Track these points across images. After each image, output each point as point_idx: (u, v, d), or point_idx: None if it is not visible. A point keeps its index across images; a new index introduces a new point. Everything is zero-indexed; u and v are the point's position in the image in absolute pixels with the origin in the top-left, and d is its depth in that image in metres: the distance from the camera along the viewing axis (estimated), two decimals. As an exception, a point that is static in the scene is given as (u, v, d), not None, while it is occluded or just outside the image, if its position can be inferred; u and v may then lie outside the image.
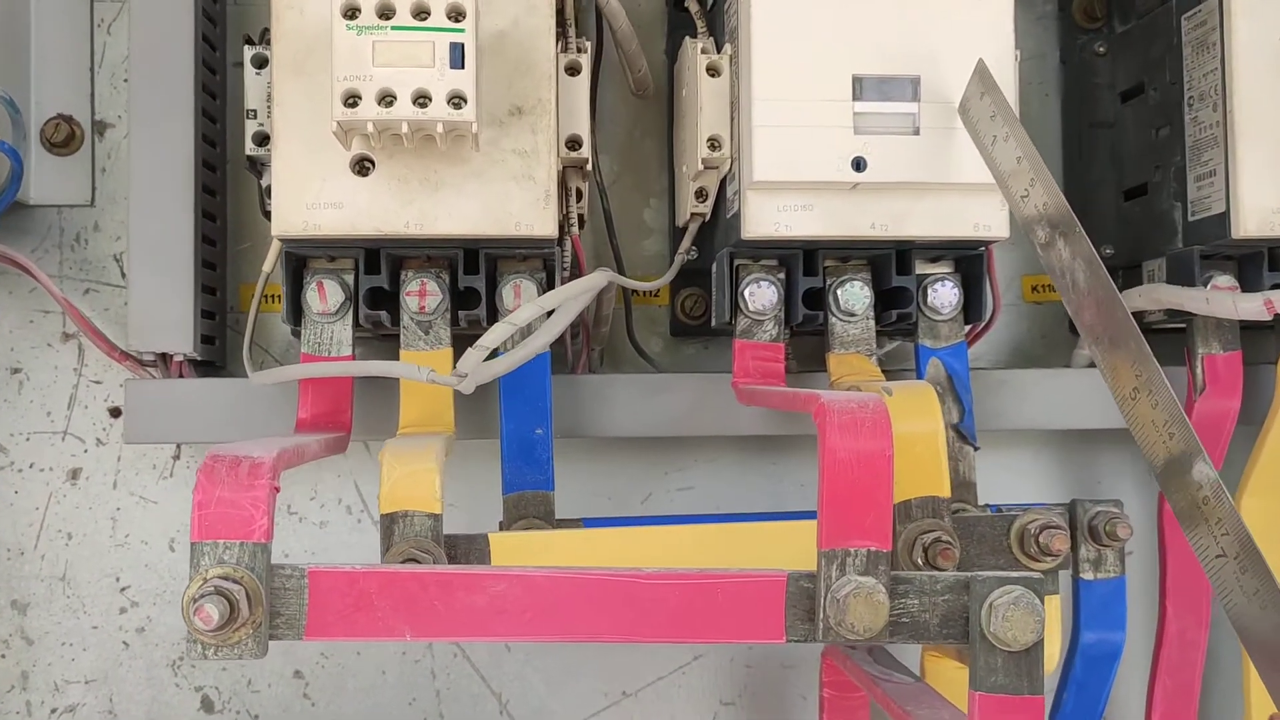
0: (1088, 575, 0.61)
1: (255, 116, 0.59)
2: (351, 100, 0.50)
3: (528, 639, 0.43)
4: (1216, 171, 0.61)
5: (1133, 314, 0.66)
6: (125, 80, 0.68)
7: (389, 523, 0.51)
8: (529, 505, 0.59)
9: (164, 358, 0.63)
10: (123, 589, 0.68)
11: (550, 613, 0.43)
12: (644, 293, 0.68)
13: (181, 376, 0.64)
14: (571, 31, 0.61)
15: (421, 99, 0.51)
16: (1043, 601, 0.43)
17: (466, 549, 0.52)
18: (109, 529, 0.68)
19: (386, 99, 0.50)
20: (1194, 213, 0.63)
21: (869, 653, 0.59)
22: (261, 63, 0.59)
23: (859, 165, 0.56)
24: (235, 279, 0.69)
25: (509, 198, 0.56)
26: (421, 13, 0.50)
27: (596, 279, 0.56)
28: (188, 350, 0.63)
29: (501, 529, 0.59)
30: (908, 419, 0.53)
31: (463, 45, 0.51)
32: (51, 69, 0.68)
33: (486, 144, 0.55)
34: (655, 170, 0.71)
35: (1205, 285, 0.62)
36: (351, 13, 0.50)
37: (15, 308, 0.68)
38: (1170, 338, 0.67)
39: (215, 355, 0.67)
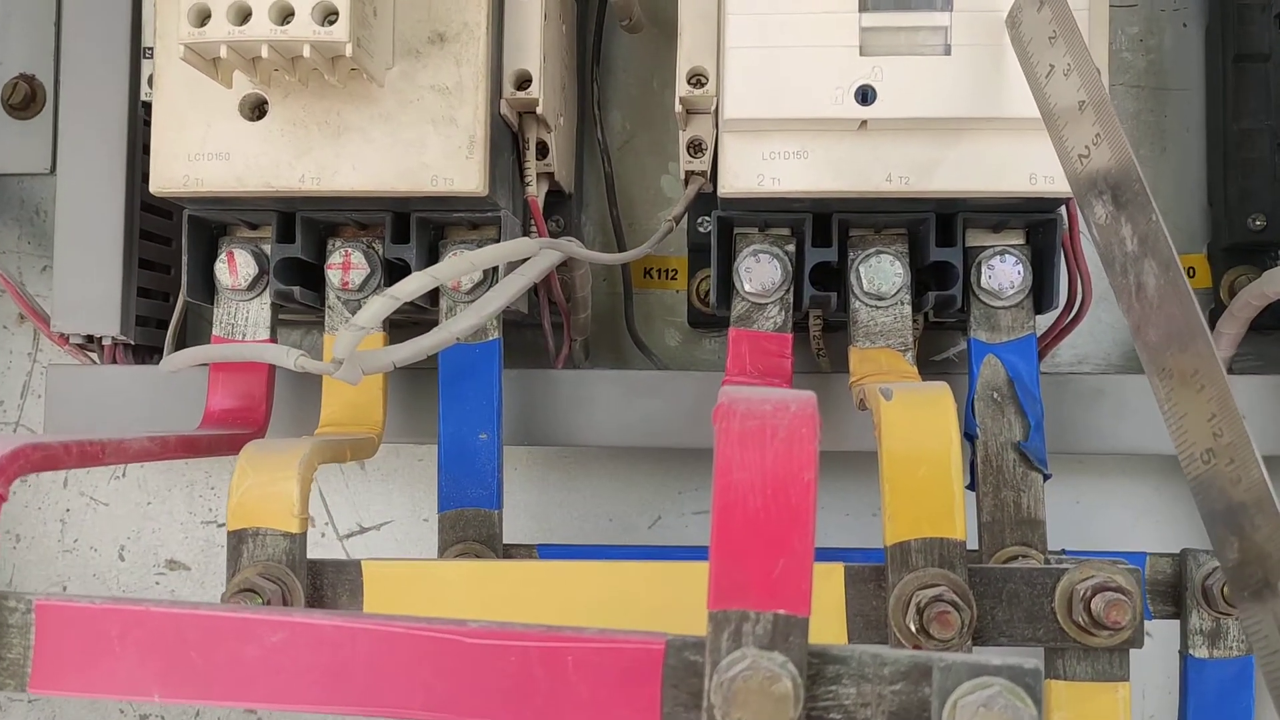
0: (1200, 652, 0.46)
1: (152, 55, 0.50)
2: (203, 19, 0.41)
3: (309, 709, 0.32)
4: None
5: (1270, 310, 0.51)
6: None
7: (236, 542, 0.41)
8: (468, 526, 0.48)
9: (98, 341, 0.56)
10: (74, 599, 0.61)
11: (339, 676, 0.32)
12: (640, 271, 0.56)
13: (116, 362, 0.56)
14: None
15: (285, 15, 0.41)
16: (1037, 704, 0.29)
17: (335, 579, 0.42)
18: (58, 532, 0.62)
19: (243, 15, 0.41)
20: (1362, 164, 0.46)
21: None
22: (161, -8, 0.50)
23: (865, 97, 0.43)
24: (196, 255, 0.61)
25: (424, 145, 0.45)
26: (287, -92, 0.41)
27: (521, 246, 0.45)
28: (114, 332, 0.55)
29: (440, 554, 0.49)
30: (908, 434, 0.39)
31: (334, -54, 0.40)
32: (14, 25, 0.62)
33: (399, 79, 0.45)
34: (678, 129, 0.59)
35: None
36: (208, -89, 0.41)
37: (-30, 286, 0.62)
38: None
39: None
